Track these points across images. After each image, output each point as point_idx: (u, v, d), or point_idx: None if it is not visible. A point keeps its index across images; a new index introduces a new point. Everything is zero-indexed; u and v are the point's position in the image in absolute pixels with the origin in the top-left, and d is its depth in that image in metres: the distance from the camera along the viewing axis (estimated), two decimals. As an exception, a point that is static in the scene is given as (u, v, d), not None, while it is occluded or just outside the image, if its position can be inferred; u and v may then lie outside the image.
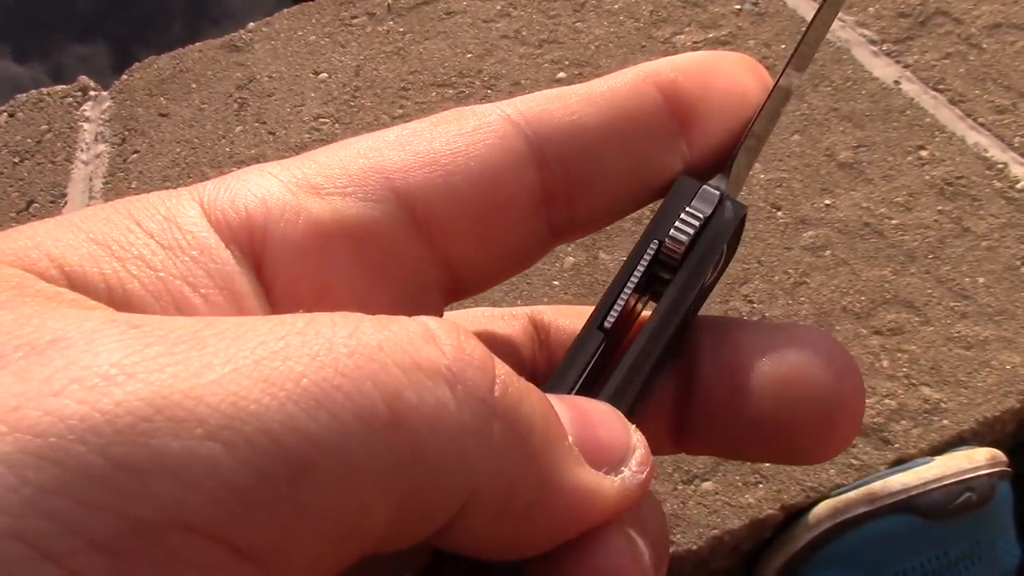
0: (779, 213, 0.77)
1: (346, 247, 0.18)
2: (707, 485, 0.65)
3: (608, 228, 0.75)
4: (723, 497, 0.64)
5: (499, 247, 0.20)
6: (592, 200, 0.20)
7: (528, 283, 0.74)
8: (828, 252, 0.74)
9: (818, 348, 0.21)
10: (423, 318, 0.16)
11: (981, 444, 0.66)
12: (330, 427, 0.13)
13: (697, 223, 0.21)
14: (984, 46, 0.86)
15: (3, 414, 0.12)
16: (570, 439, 0.17)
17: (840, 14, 0.88)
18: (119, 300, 0.16)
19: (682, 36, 0.87)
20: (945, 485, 0.61)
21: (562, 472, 0.16)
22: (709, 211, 0.21)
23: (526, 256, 0.21)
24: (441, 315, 0.20)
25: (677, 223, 0.21)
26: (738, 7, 0.89)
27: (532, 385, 0.16)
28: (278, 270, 0.18)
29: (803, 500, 0.64)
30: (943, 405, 0.67)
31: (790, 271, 0.74)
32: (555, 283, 0.73)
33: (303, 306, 0.17)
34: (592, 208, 0.20)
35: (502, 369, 0.16)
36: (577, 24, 0.88)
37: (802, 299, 0.72)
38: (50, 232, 0.16)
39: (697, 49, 0.86)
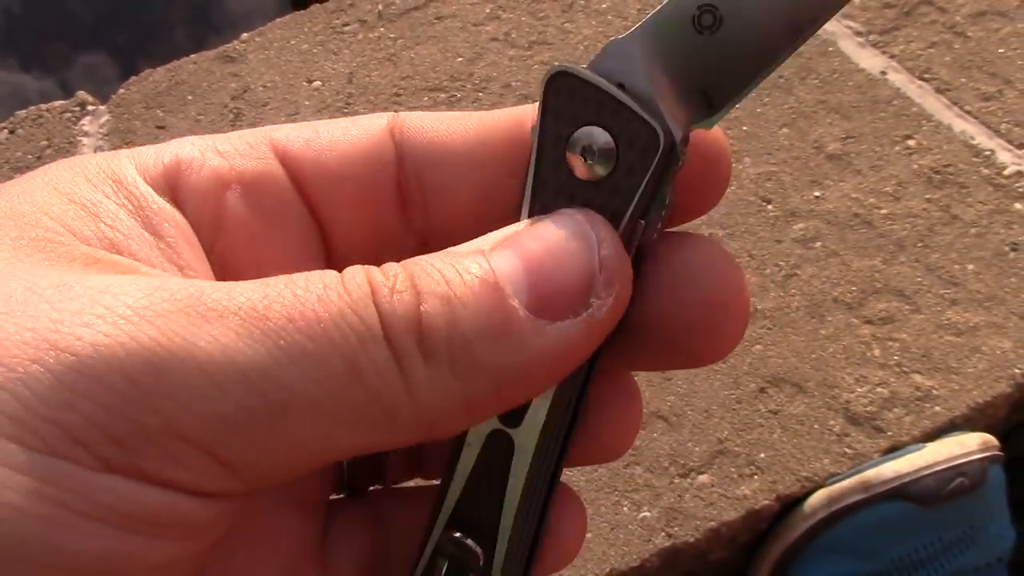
0: (769, 206, 0.77)
1: (240, 193, 0.21)
2: (703, 478, 0.66)
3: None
4: (719, 489, 0.66)
5: (363, 226, 0.23)
6: (444, 211, 0.22)
7: (523, 283, 0.75)
8: (818, 243, 0.75)
9: (703, 250, 0.22)
10: (351, 277, 0.19)
11: (974, 429, 0.67)
12: (302, 381, 0.17)
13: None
14: (969, 34, 0.86)
15: (46, 333, 0.16)
16: (522, 312, 0.18)
17: (826, 6, 0.89)
18: (106, 247, 0.20)
19: (670, 33, 0.88)
20: (937, 471, 0.62)
21: (518, 355, 0.18)
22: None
23: (391, 244, 0.23)
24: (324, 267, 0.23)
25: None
26: (724, 3, 0.89)
27: (467, 293, 0.18)
28: (189, 211, 0.21)
29: (798, 490, 0.65)
30: (935, 392, 0.68)
31: (781, 263, 0.74)
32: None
33: (211, 241, 0.21)
34: (445, 218, 0.22)
35: (431, 307, 0.18)
36: (566, 25, 0.89)
37: (793, 291, 0.73)
38: (44, 197, 0.19)
39: (685, 46, 0.87)
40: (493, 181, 0.22)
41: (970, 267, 0.74)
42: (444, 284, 0.18)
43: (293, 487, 0.21)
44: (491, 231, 0.20)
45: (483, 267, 0.19)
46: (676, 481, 0.66)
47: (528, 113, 0.22)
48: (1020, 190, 0.77)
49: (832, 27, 0.88)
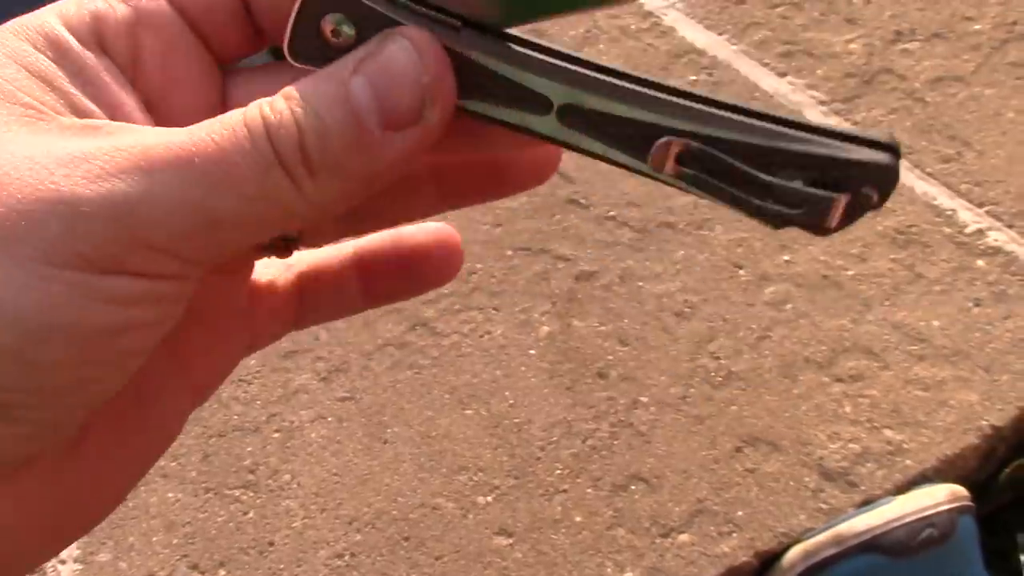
0: (741, 272, 0.81)
1: (149, 32, 0.27)
2: (683, 537, 0.68)
3: (580, 297, 0.80)
4: (699, 548, 0.68)
5: (239, 41, 0.29)
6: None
7: (506, 354, 0.78)
8: (789, 306, 0.78)
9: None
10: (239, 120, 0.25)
11: (945, 481, 0.69)
12: (227, 202, 0.24)
13: None
14: (928, 100, 0.90)
15: (51, 192, 0.23)
16: (374, 130, 0.25)
17: (790, 77, 0.93)
18: (71, 111, 0.25)
19: (642, 109, 0.92)
20: (907, 523, 0.64)
21: (376, 161, 0.25)
22: None
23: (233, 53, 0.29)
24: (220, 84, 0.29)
25: None
26: (694, 78, 0.94)
27: (335, 124, 0.25)
28: (114, 56, 0.26)
29: (776, 546, 0.67)
30: (905, 446, 0.71)
31: (753, 326, 0.77)
32: (531, 352, 0.77)
33: (133, 79, 0.26)
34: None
35: (310, 140, 0.24)
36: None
37: (766, 352, 0.76)
38: (8, 72, 0.25)
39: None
40: None
41: (936, 323, 0.76)
42: (317, 118, 0.24)
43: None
44: None
45: (344, 98, 0.25)
46: (657, 541, 0.68)
47: None
48: (981, 247, 0.80)
49: (797, 97, 0.92)
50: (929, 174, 0.85)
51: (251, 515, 0.72)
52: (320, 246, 0.35)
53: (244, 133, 0.24)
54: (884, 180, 0.24)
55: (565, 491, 0.71)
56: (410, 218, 0.34)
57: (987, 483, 0.76)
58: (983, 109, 0.90)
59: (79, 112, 0.25)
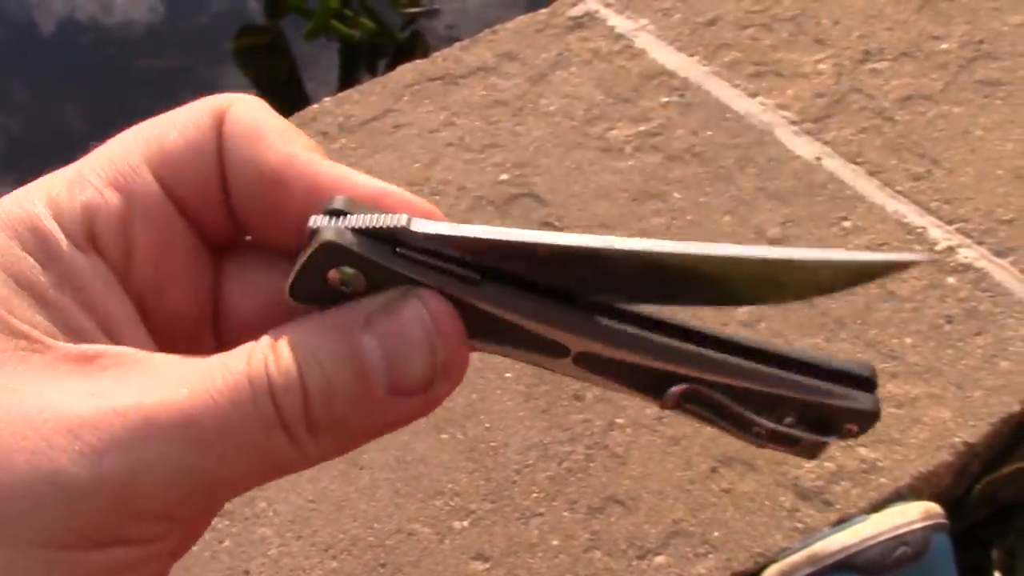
0: (714, 292, 0.81)
1: (142, 223, 0.26)
2: (660, 559, 0.68)
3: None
4: (676, 569, 0.68)
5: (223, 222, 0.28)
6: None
7: (482, 377, 0.78)
8: (763, 324, 0.79)
9: None
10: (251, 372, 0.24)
11: (919, 499, 0.70)
12: (228, 466, 0.23)
13: None
14: (897, 119, 0.91)
15: (38, 468, 0.22)
16: (382, 395, 0.24)
17: (761, 97, 0.94)
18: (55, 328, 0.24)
19: (615, 131, 0.93)
20: (880, 541, 0.64)
21: (379, 423, 0.25)
22: None
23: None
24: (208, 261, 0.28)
25: None
26: (665, 100, 0.94)
27: (343, 388, 0.24)
28: (105, 249, 0.25)
29: (752, 566, 0.67)
30: (879, 464, 0.71)
31: (728, 346, 0.78)
32: (507, 375, 0.78)
33: (125, 272, 0.25)
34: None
35: (316, 403, 0.24)
36: (517, 128, 0.94)
37: (740, 372, 0.76)
38: None
39: (630, 143, 0.92)
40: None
41: (908, 341, 0.77)
42: (324, 380, 0.24)
43: None
44: None
45: (356, 360, 0.24)
46: (634, 563, 0.68)
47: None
48: (952, 264, 0.81)
49: (768, 117, 0.93)
50: (899, 192, 0.86)
51: (226, 544, 0.71)
52: None
53: (247, 392, 0.23)
54: (867, 421, 0.28)
55: (542, 514, 0.71)
56: None
57: (961, 499, 0.76)
58: (952, 127, 0.91)
59: (72, 331, 0.24)
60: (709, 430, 0.73)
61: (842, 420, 0.27)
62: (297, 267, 0.25)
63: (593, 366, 0.27)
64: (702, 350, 0.27)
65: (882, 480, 0.70)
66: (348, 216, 0.25)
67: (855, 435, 0.28)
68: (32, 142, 1.44)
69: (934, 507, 0.67)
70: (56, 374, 0.23)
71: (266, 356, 0.24)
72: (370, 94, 0.97)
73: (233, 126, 0.27)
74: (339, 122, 0.97)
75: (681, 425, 0.74)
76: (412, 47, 1.42)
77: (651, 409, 0.75)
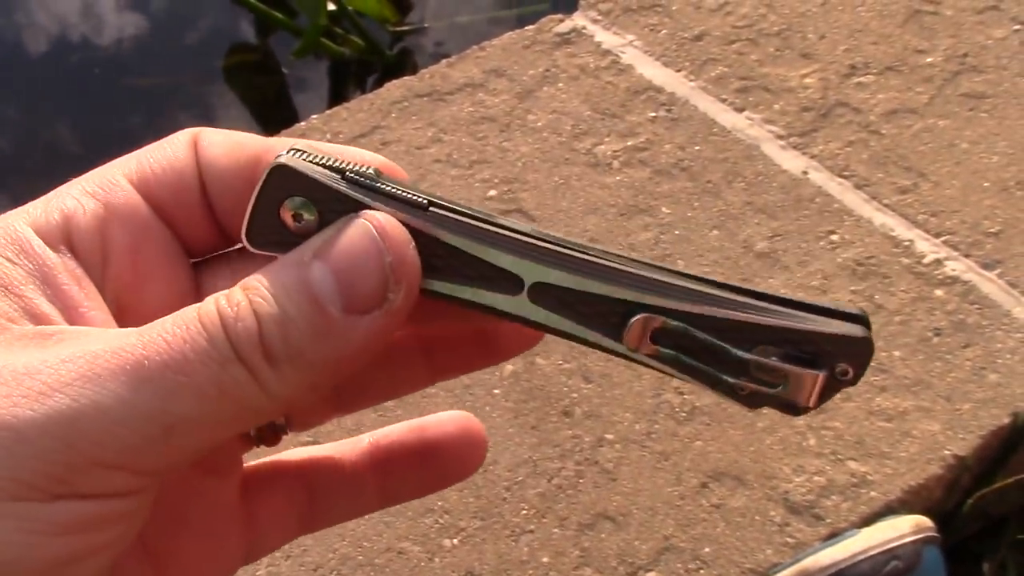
0: (703, 306, 0.81)
1: (119, 227, 0.26)
2: (651, 575, 0.68)
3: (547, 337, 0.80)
4: (667, 586, 0.67)
5: (207, 229, 0.28)
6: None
7: (471, 394, 0.77)
8: (751, 339, 0.79)
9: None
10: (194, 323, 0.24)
11: (910, 512, 0.70)
12: (184, 407, 0.23)
13: None
14: (883, 132, 0.92)
15: None
16: (337, 315, 0.24)
17: (748, 112, 0.94)
18: (26, 316, 0.25)
19: (603, 146, 0.93)
20: (871, 556, 0.64)
21: (341, 347, 0.24)
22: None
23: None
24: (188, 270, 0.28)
25: None
26: (652, 114, 0.95)
27: (294, 311, 0.24)
28: (81, 254, 0.26)
29: (743, 582, 0.67)
30: (870, 478, 0.71)
31: (717, 361, 0.78)
32: (496, 391, 0.77)
33: (101, 277, 0.26)
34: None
35: (268, 329, 0.24)
36: (504, 144, 0.94)
37: (730, 387, 0.76)
38: None
39: (618, 158, 0.92)
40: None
41: (897, 354, 0.77)
42: (275, 307, 0.24)
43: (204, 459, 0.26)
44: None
45: (305, 285, 0.24)
46: (625, 580, 0.68)
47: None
48: (939, 277, 0.81)
49: (755, 132, 0.93)
50: (886, 205, 0.86)
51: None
52: (310, 427, 0.33)
53: (198, 329, 0.23)
54: (859, 354, 0.24)
55: (532, 531, 0.70)
56: (399, 393, 0.32)
57: (952, 513, 0.76)
58: (937, 140, 0.91)
59: (35, 317, 0.24)
60: (699, 445, 0.73)
61: (831, 354, 0.24)
62: (252, 201, 0.26)
63: (548, 301, 0.25)
64: (670, 278, 0.25)
65: (872, 494, 0.70)
66: (307, 153, 0.26)
67: (850, 379, 0.25)
68: (22, 161, 1.43)
69: (925, 521, 0.67)
70: (12, 348, 0.23)
71: (217, 298, 0.24)
72: (358, 111, 0.97)
73: (208, 137, 0.27)
74: (327, 139, 0.97)
75: (671, 440, 0.74)
76: (401, 64, 1.43)
77: (640, 425, 0.75)
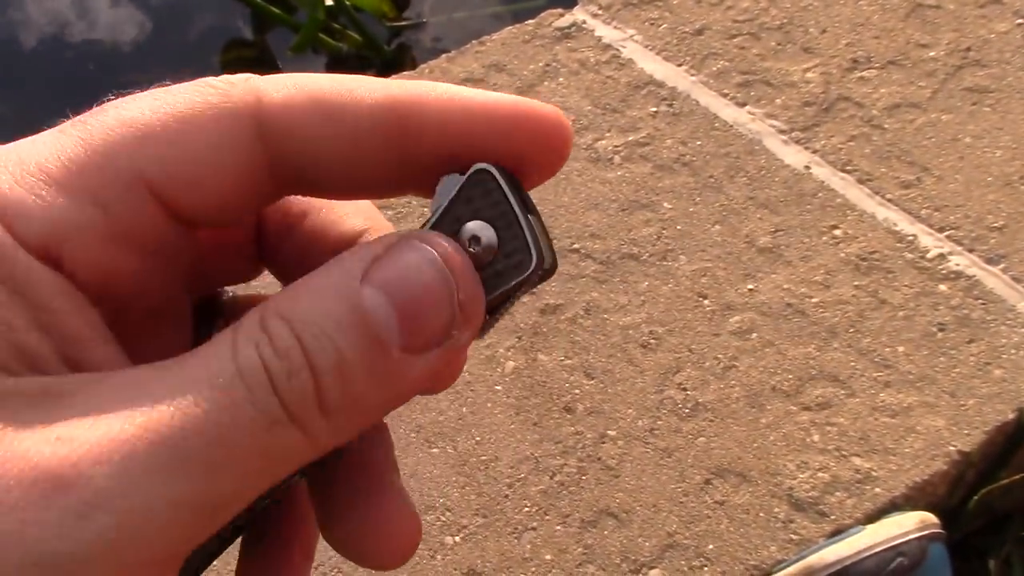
0: (705, 301, 0.80)
1: (123, 242, 0.22)
2: (654, 573, 0.67)
3: (545, 331, 0.79)
4: (670, 583, 0.67)
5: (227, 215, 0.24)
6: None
7: (472, 390, 0.77)
8: (754, 335, 0.78)
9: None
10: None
11: (915, 508, 0.69)
12: (225, 487, 0.20)
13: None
14: (886, 126, 0.91)
15: (19, 503, 0.18)
16: (397, 355, 0.21)
17: (749, 106, 0.94)
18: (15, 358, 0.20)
19: (604, 141, 0.92)
20: (876, 552, 0.63)
21: (396, 388, 0.21)
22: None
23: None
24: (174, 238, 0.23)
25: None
26: (654, 109, 0.94)
27: (355, 356, 0.20)
28: (77, 270, 0.21)
29: (747, 579, 0.66)
30: (874, 474, 0.70)
31: (719, 356, 0.77)
32: (497, 388, 0.77)
33: (100, 293, 0.21)
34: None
35: (327, 382, 0.20)
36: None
37: (733, 382, 0.76)
38: None
39: (619, 153, 0.91)
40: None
41: (900, 349, 0.76)
42: (334, 353, 0.20)
43: None
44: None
45: (361, 319, 0.20)
46: (628, 578, 0.67)
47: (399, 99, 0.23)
48: (943, 272, 0.81)
49: (757, 127, 0.92)
50: (889, 200, 0.86)
51: (215, 564, 0.70)
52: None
53: (242, 391, 0.19)
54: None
55: (534, 529, 0.70)
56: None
57: (958, 509, 0.75)
58: (940, 135, 0.90)
59: (25, 357, 0.20)
60: (702, 441, 0.72)
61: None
62: (440, 209, 0.23)
63: None
64: None
65: (877, 490, 0.70)
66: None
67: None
68: None
69: (930, 517, 0.67)
70: (16, 421, 0.19)
71: (256, 340, 0.20)
72: (357, 106, 0.97)
73: (266, 104, 0.22)
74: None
75: (674, 437, 0.73)
76: (399, 60, 1.42)
77: (643, 421, 0.74)
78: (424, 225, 0.23)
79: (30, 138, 0.22)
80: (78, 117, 0.22)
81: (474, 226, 0.23)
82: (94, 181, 0.21)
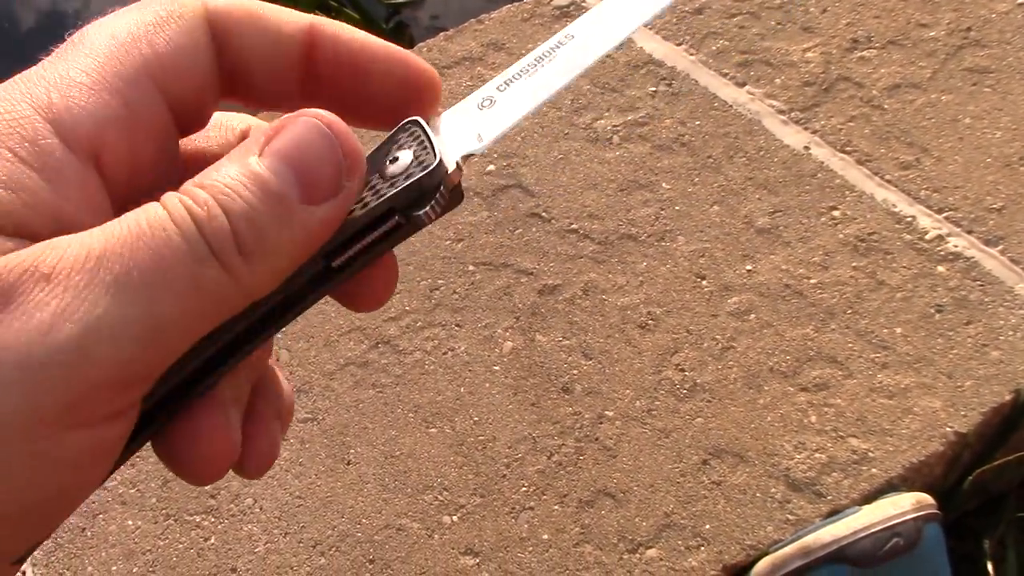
0: (704, 282, 0.80)
1: (142, 137, 0.27)
2: (651, 552, 0.68)
3: (543, 311, 0.79)
4: (667, 563, 0.67)
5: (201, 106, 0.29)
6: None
7: (470, 370, 0.77)
8: (752, 316, 0.78)
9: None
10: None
11: (911, 489, 0.69)
12: (163, 304, 0.24)
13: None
14: (886, 107, 0.91)
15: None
16: (297, 205, 0.25)
17: (749, 86, 0.93)
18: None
19: (602, 121, 0.92)
20: (872, 533, 0.63)
21: (301, 233, 0.26)
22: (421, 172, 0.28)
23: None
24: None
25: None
26: (653, 89, 0.94)
27: (261, 205, 0.25)
28: (75, 140, 0.25)
29: (744, 559, 0.67)
30: (871, 454, 0.70)
31: (718, 337, 0.77)
32: (495, 368, 0.77)
33: (96, 154, 0.26)
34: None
35: (240, 225, 0.24)
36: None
37: (731, 363, 0.76)
38: None
39: (618, 132, 0.91)
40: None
41: (898, 330, 0.76)
42: (244, 204, 0.25)
43: None
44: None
45: (262, 179, 0.25)
46: (625, 557, 0.67)
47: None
48: (942, 253, 0.81)
49: (756, 107, 0.92)
50: (888, 181, 0.86)
51: (212, 541, 0.70)
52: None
53: (174, 231, 0.24)
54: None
55: (531, 508, 0.70)
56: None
57: (953, 489, 0.76)
58: (940, 115, 0.90)
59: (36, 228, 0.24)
60: (700, 422, 0.72)
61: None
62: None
63: None
64: None
65: (873, 471, 0.70)
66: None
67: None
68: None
69: (926, 498, 0.67)
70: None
71: (179, 198, 0.24)
72: (355, 85, 0.96)
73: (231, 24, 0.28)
74: (323, 113, 0.96)
75: (671, 417, 0.73)
76: (397, 37, 1.41)
77: (641, 401, 0.74)
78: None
79: (49, 60, 0.26)
80: (70, 40, 0.27)
81: (397, 151, 0.29)
82: (116, 84, 0.26)
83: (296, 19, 0.29)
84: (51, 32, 1.50)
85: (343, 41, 0.29)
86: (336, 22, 0.30)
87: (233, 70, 0.29)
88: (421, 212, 0.28)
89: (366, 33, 0.30)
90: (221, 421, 0.28)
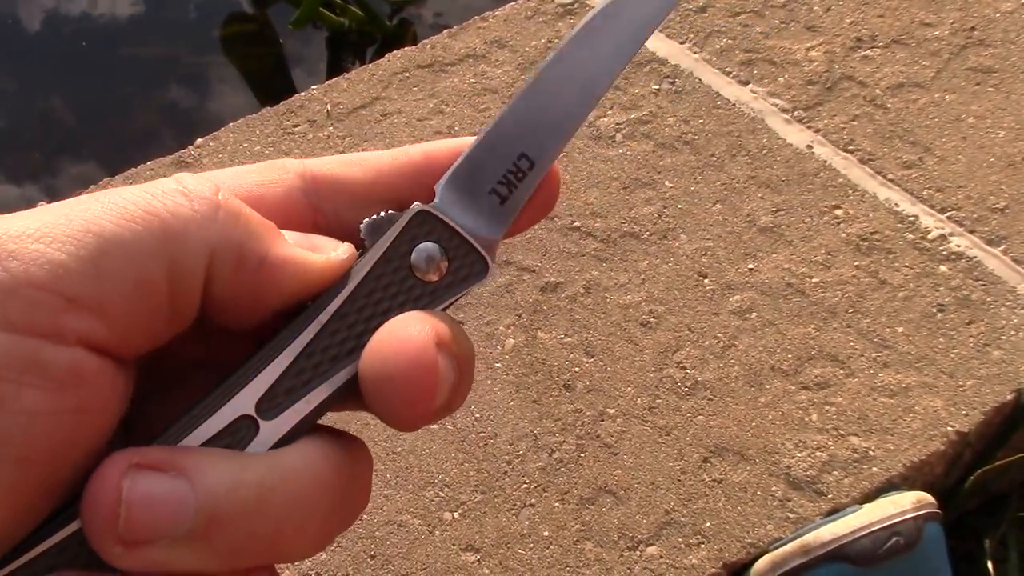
0: (706, 281, 0.80)
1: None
2: (652, 550, 0.68)
3: (545, 308, 0.79)
4: (667, 560, 0.67)
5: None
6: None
7: (472, 367, 0.77)
8: (754, 314, 0.78)
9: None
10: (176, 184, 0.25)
11: (912, 488, 0.69)
12: (119, 234, 0.23)
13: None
14: (888, 106, 0.91)
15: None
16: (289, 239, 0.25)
17: (752, 85, 0.93)
18: None
19: (606, 119, 0.92)
20: (872, 531, 0.63)
21: (276, 246, 0.25)
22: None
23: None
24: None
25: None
26: (656, 87, 0.94)
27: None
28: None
29: (744, 556, 0.67)
30: (871, 453, 0.71)
31: (719, 335, 0.77)
32: (497, 365, 0.77)
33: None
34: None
35: (227, 193, 0.24)
36: (506, 115, 0.93)
37: (732, 362, 0.76)
38: None
39: (621, 130, 0.91)
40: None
41: (900, 330, 0.76)
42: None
43: None
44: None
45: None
46: (626, 554, 0.68)
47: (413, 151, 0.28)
48: (944, 253, 0.81)
49: (759, 105, 0.92)
50: (891, 180, 0.86)
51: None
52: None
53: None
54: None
55: (532, 505, 0.70)
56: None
57: (954, 489, 0.76)
58: (943, 115, 0.90)
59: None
60: (701, 420, 0.72)
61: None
62: (388, 242, 0.26)
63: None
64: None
65: (874, 470, 0.70)
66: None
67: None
68: (18, 132, 1.42)
69: (927, 497, 0.67)
70: None
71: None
72: (358, 82, 0.96)
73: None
74: (327, 110, 0.96)
75: (672, 415, 0.73)
76: (401, 35, 1.41)
77: (642, 399, 0.74)
78: (360, 256, 0.26)
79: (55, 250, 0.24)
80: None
81: (424, 247, 0.26)
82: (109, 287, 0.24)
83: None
84: (57, 33, 1.50)
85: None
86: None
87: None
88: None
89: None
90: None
